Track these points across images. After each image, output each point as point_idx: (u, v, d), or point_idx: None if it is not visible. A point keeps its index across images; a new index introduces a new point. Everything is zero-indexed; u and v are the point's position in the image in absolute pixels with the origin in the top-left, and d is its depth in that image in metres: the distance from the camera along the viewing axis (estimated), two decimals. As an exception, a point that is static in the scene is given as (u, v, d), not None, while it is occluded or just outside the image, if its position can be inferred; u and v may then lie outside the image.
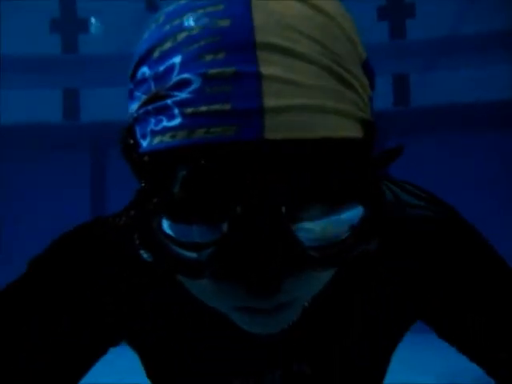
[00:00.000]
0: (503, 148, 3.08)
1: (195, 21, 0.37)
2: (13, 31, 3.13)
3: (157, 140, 0.36)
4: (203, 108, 0.35)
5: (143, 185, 0.38)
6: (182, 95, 0.35)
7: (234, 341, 0.51)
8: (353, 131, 0.37)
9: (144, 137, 0.38)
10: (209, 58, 0.35)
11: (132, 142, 0.39)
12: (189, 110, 0.35)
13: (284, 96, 0.35)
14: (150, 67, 0.38)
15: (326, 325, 0.53)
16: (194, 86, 0.35)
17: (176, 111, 0.36)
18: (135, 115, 0.39)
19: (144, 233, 0.38)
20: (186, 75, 0.35)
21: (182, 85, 0.36)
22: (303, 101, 0.35)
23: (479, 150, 3.07)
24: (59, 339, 0.50)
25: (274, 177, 0.35)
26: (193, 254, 0.38)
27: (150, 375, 0.58)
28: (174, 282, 0.46)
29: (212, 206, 0.37)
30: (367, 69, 0.41)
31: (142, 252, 0.39)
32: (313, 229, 0.38)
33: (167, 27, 0.38)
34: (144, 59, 0.39)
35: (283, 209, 0.36)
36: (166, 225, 0.38)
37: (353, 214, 0.39)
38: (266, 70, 0.35)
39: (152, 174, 0.38)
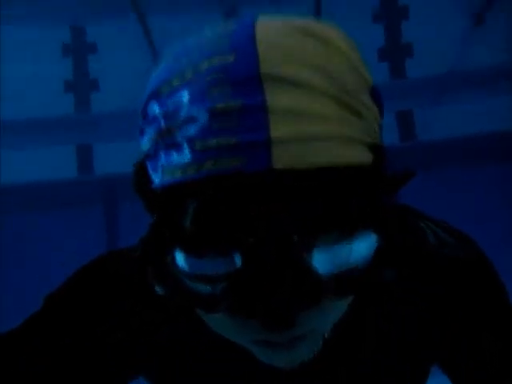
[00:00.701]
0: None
1: (201, 58, 0.38)
2: (29, 94, 3.27)
3: (168, 175, 0.38)
4: (211, 142, 0.35)
5: (155, 219, 0.39)
6: (191, 131, 0.36)
7: (253, 375, 0.51)
8: (362, 157, 0.37)
9: (155, 172, 0.39)
10: (215, 92, 0.36)
11: (144, 177, 0.40)
12: (197, 145, 0.36)
13: (290, 126, 0.35)
14: (159, 104, 0.39)
15: (346, 354, 0.52)
16: (201, 121, 0.36)
17: (185, 146, 0.36)
18: (146, 152, 0.40)
19: (157, 267, 0.38)
20: (193, 111, 0.36)
21: (190, 120, 0.37)
22: (309, 129, 0.36)
23: (484, 183, 3.05)
24: (74, 376, 0.50)
25: (284, 206, 0.35)
26: (207, 288, 0.38)
27: None
28: (188, 315, 0.47)
29: (223, 238, 0.37)
30: (375, 96, 0.41)
31: (156, 287, 0.39)
32: (326, 257, 0.38)
33: (175, 65, 0.39)
34: (153, 96, 0.40)
35: (294, 238, 0.35)
36: (179, 258, 0.39)
37: (367, 240, 0.38)
38: (271, 101, 0.35)
39: (164, 209, 0.38)
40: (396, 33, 3.33)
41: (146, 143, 0.41)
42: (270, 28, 0.39)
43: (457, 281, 0.51)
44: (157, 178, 0.39)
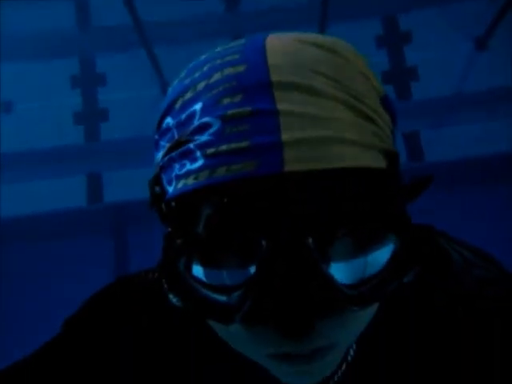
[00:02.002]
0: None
1: (213, 70, 0.39)
2: (41, 125, 3.33)
3: (181, 184, 0.38)
4: (223, 147, 0.36)
5: (169, 229, 0.38)
6: (203, 138, 0.37)
7: None
8: (375, 161, 0.37)
9: (170, 183, 0.39)
10: (227, 101, 0.37)
11: (159, 190, 0.41)
12: (210, 151, 0.36)
13: (301, 129, 0.35)
14: (173, 117, 0.40)
15: (368, 379, 0.50)
16: (214, 128, 0.36)
17: (198, 154, 0.37)
18: (160, 164, 0.41)
19: (171, 275, 0.37)
20: (206, 119, 0.37)
21: (202, 128, 0.37)
22: (320, 133, 0.36)
23: (493, 203, 3.03)
24: None
25: (297, 210, 0.35)
26: (222, 298, 0.37)
27: None
28: (204, 342, 0.47)
29: (238, 244, 0.36)
30: (387, 104, 0.41)
31: (170, 296, 0.38)
32: (343, 264, 0.37)
33: (188, 80, 0.40)
34: (168, 111, 0.41)
35: (309, 240, 0.35)
36: (194, 268, 0.38)
37: (385, 246, 0.38)
38: (282, 106, 0.36)
39: (178, 218, 0.38)
40: (400, 57, 3.37)
41: (159, 156, 0.42)
42: (279, 40, 0.40)
43: (486, 301, 0.49)
44: (171, 189, 0.39)
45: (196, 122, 0.38)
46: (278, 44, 0.39)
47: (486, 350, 0.49)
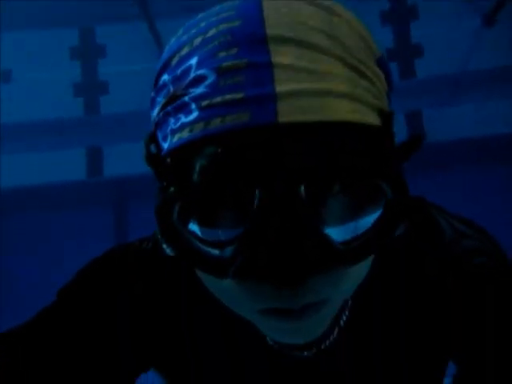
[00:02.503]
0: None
1: (209, 26, 0.39)
2: (39, 98, 3.30)
3: (176, 137, 0.38)
4: (218, 99, 0.36)
5: (164, 183, 0.38)
6: (198, 90, 0.37)
7: (263, 366, 0.50)
8: (368, 117, 0.38)
9: (165, 139, 0.39)
10: (222, 54, 0.37)
11: (155, 147, 0.40)
12: (204, 103, 0.36)
13: (295, 82, 0.35)
14: (169, 73, 0.40)
15: (359, 344, 0.51)
16: (209, 81, 0.37)
17: (193, 106, 0.37)
18: (156, 120, 0.40)
19: (165, 224, 0.37)
20: (201, 71, 0.37)
21: (198, 81, 0.37)
22: (314, 86, 0.36)
23: (495, 183, 3.03)
24: (86, 370, 0.49)
25: (292, 161, 0.35)
26: (216, 252, 0.37)
27: None
28: (197, 305, 0.48)
29: (232, 196, 0.36)
30: (382, 65, 0.41)
31: (164, 247, 0.38)
32: (336, 218, 0.37)
33: (185, 37, 0.41)
34: (164, 68, 0.41)
35: (303, 192, 0.34)
36: (190, 222, 0.38)
37: (377, 204, 0.38)
38: (277, 59, 0.36)
39: (173, 171, 0.37)
40: (405, 33, 3.32)
41: (155, 112, 0.41)
42: None
43: (475, 271, 0.50)
44: (166, 144, 0.39)
45: (191, 76, 0.38)
46: (275, 1, 0.39)
47: (477, 314, 0.49)
